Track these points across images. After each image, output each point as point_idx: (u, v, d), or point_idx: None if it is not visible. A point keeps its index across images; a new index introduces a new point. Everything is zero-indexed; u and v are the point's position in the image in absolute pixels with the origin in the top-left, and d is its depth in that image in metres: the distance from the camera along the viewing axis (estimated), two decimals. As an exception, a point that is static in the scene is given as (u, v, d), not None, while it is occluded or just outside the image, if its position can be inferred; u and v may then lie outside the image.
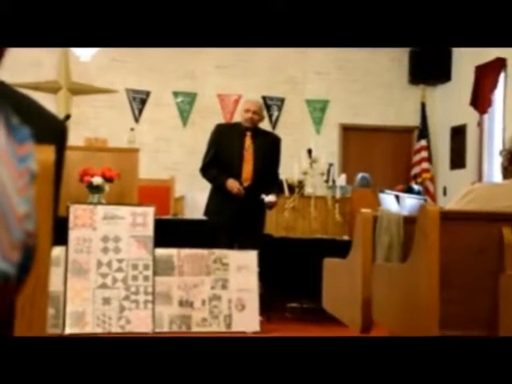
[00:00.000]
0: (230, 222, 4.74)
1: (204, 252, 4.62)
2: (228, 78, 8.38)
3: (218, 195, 4.78)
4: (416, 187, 7.54)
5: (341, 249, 3.30)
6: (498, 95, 7.43)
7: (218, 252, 4.63)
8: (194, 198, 6.09)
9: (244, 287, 4.63)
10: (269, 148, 4.88)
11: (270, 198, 4.80)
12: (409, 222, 2.56)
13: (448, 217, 2.30)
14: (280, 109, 8.52)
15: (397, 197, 5.79)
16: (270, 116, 8.50)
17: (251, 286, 4.64)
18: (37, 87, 7.55)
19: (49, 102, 7.18)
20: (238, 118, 7.30)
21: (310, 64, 8.56)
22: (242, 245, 4.81)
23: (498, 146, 7.34)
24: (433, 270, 2.08)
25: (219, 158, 4.80)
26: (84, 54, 6.55)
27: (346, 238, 5.68)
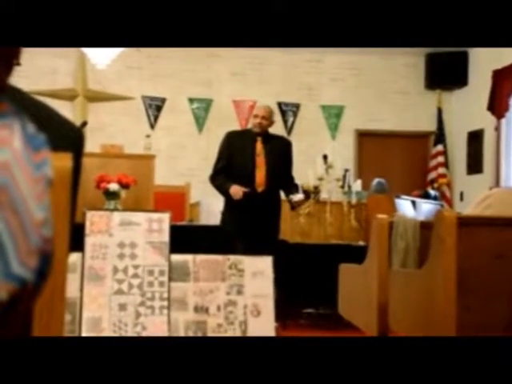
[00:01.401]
0: (246, 228, 4.75)
1: (219, 258, 4.62)
2: (243, 84, 8.40)
3: (232, 203, 4.79)
4: (432, 192, 7.49)
5: (356, 254, 3.29)
6: (515, 100, 7.38)
7: (233, 258, 4.63)
8: (210, 204, 6.10)
9: (259, 293, 4.62)
10: (280, 152, 4.90)
11: (299, 197, 4.85)
12: (425, 227, 2.54)
13: (465, 222, 2.28)
14: (295, 115, 8.52)
15: (413, 202, 5.76)
16: (286, 122, 8.50)
17: (267, 292, 4.63)
18: (53, 95, 7.62)
19: (65, 110, 7.25)
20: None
21: (325, 70, 8.56)
22: (258, 250, 4.81)
23: (515, 150, 7.28)
24: (450, 275, 2.06)
25: (232, 165, 4.82)
26: (100, 62, 6.59)
27: (361, 243, 5.66)
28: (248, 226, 4.74)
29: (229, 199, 4.83)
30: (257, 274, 4.72)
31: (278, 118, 8.40)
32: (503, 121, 7.46)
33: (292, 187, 4.94)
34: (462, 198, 8.31)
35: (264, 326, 4.61)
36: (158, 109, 8.27)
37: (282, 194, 5.04)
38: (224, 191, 4.82)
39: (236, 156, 4.82)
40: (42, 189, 0.62)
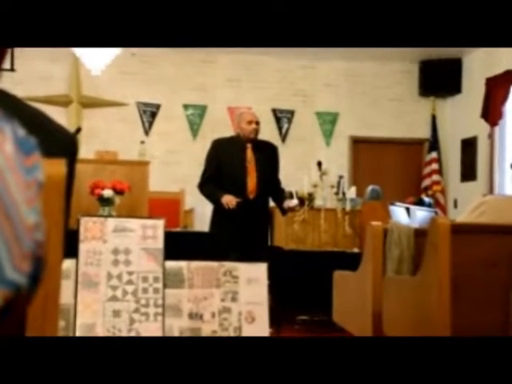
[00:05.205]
0: (237, 236, 4.72)
1: (214, 264, 4.60)
2: (238, 90, 8.41)
3: (223, 211, 4.76)
4: (427, 199, 7.51)
5: (351, 261, 3.29)
6: (509, 107, 7.41)
7: (228, 264, 4.61)
8: (204, 210, 6.10)
9: (254, 300, 4.61)
10: (269, 158, 4.90)
11: (294, 202, 4.86)
12: (419, 234, 2.55)
13: (459, 229, 2.29)
14: (290, 121, 8.54)
15: (407, 209, 5.77)
16: (280, 128, 8.51)
17: (261, 299, 4.61)
18: (48, 101, 7.61)
19: (60, 116, 7.24)
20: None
21: (320, 76, 8.58)
22: (250, 257, 4.79)
23: (509, 158, 7.31)
24: (444, 283, 2.07)
25: (221, 172, 4.78)
26: (95, 67, 6.58)
27: (356, 250, 5.67)
28: (240, 233, 4.72)
29: (218, 207, 4.80)
30: (251, 280, 4.71)
31: (272, 124, 8.42)
32: (497, 128, 7.50)
33: (280, 192, 4.93)
34: (455, 205, 8.34)
35: (258, 332, 4.59)
36: (153, 115, 8.27)
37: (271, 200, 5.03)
38: (215, 200, 4.78)
39: (226, 164, 4.78)
40: (34, 193, 0.62)
